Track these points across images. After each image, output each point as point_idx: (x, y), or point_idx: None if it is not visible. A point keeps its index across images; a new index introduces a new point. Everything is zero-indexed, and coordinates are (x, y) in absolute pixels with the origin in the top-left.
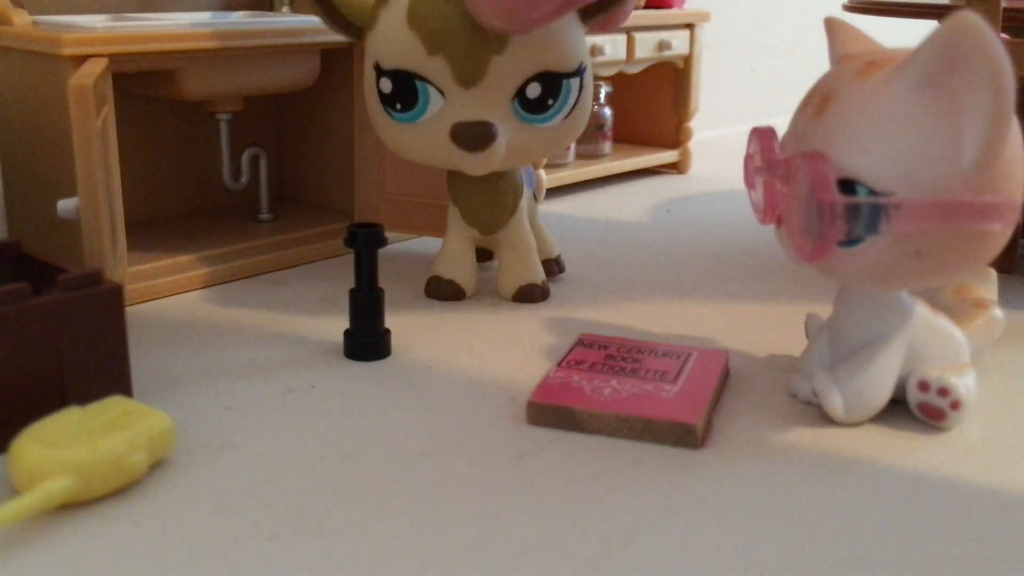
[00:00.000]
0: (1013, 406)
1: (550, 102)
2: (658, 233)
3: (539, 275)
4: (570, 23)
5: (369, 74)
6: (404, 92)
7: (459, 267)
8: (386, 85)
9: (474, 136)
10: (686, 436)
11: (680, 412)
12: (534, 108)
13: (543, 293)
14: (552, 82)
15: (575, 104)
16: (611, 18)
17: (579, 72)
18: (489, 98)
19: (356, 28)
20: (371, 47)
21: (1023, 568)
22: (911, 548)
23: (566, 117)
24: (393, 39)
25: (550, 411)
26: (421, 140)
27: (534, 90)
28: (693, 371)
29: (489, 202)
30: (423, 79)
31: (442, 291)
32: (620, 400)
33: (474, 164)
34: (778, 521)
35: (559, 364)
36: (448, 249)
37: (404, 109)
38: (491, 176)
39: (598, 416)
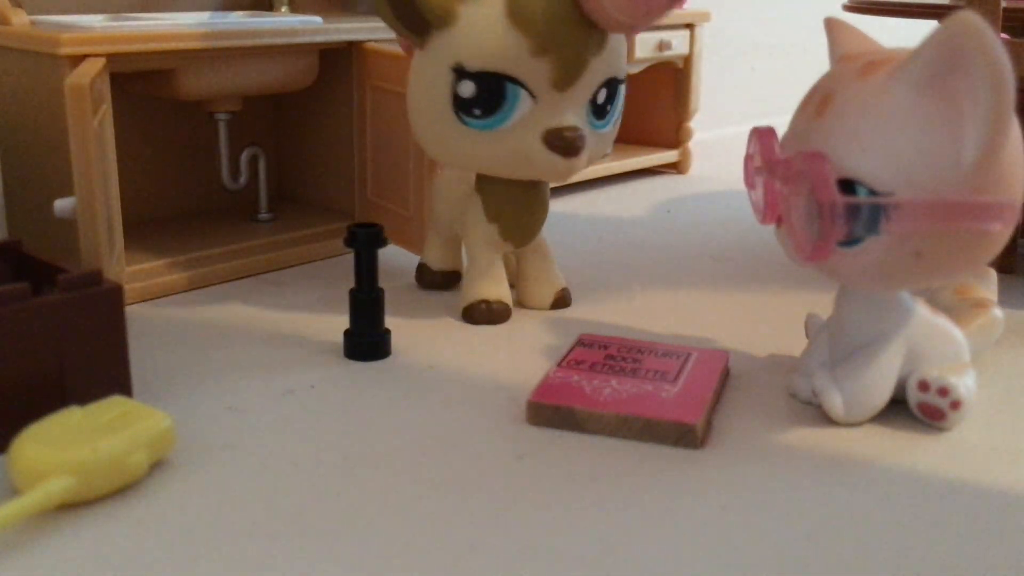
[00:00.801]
0: (1013, 406)
1: (608, 108)
2: (658, 233)
3: (563, 280)
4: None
5: (440, 77)
6: (490, 96)
7: (501, 285)
8: (467, 89)
9: (572, 141)
10: (686, 436)
11: (680, 412)
12: (600, 114)
13: (570, 296)
14: (614, 88)
15: (618, 112)
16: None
17: (625, 79)
18: (573, 103)
19: (425, 25)
20: (449, 47)
21: (1023, 568)
22: (911, 548)
23: (614, 123)
24: (487, 38)
25: (550, 411)
26: (499, 148)
27: (602, 96)
28: (693, 371)
29: (531, 215)
30: (517, 82)
31: (493, 314)
32: (620, 400)
33: (562, 171)
34: (778, 521)
35: (559, 364)
36: (484, 268)
37: (485, 114)
38: (530, 188)
39: (598, 416)
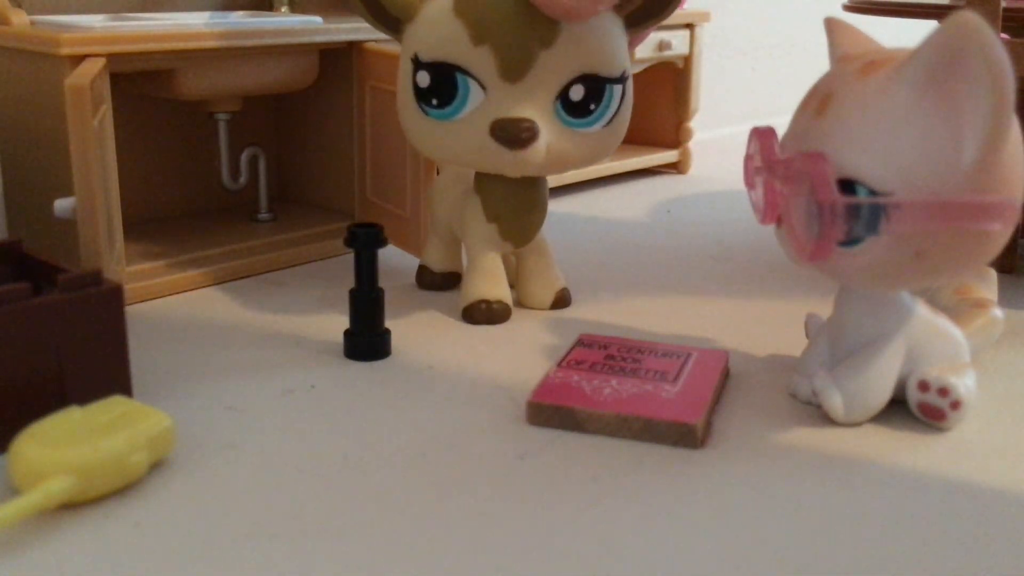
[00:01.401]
0: (1013, 406)
1: (592, 106)
2: (658, 233)
3: (563, 279)
4: (614, 29)
5: (405, 68)
6: (443, 86)
7: (501, 285)
8: (423, 79)
9: (516, 132)
10: (686, 436)
11: (680, 412)
12: (576, 111)
13: (570, 296)
14: (595, 86)
15: (616, 112)
16: (644, 34)
17: (622, 79)
18: (532, 96)
19: (395, 21)
20: (410, 39)
21: (1023, 568)
22: (911, 548)
23: (607, 125)
24: (436, 29)
25: (550, 411)
26: (456, 139)
27: (577, 92)
28: (693, 371)
29: (529, 214)
30: (464, 72)
31: (493, 314)
32: (620, 400)
33: (513, 164)
34: (778, 521)
35: (559, 364)
36: (484, 268)
37: (441, 104)
38: (528, 187)
39: (598, 416)
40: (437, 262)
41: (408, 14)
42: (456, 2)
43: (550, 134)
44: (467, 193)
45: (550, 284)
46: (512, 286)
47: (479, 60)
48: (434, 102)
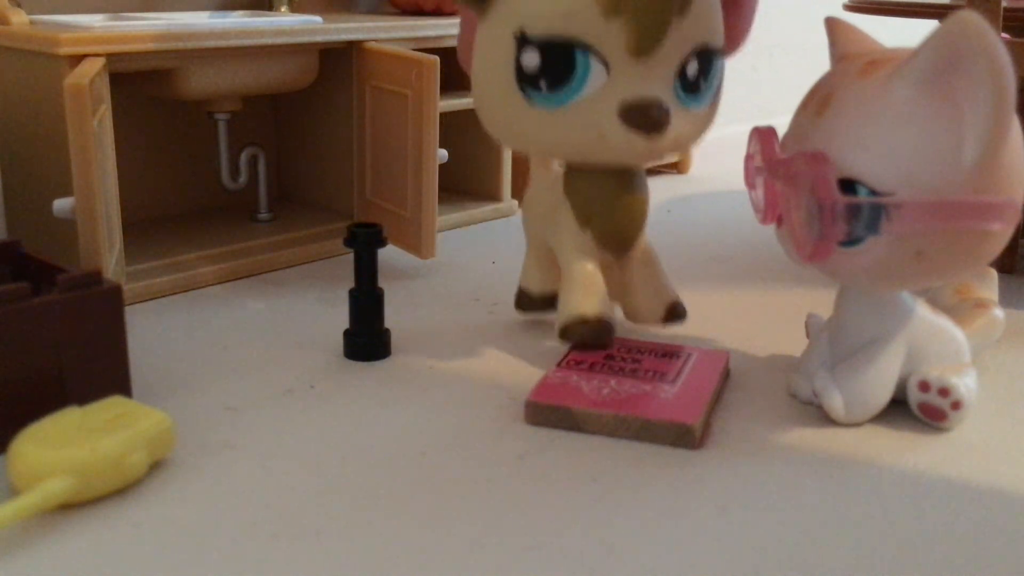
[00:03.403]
0: (1013, 406)
1: (702, 82)
2: (658, 233)
3: (674, 291)
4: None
5: (500, 48)
6: (557, 66)
7: (600, 299)
8: (531, 59)
9: (653, 115)
10: (684, 436)
11: (678, 412)
12: (691, 89)
13: (685, 310)
14: (706, 60)
15: (717, 89)
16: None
17: (724, 52)
18: (656, 75)
19: None
20: (508, 11)
21: (1023, 568)
22: (911, 548)
23: (710, 103)
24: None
25: (548, 411)
26: (568, 127)
27: (693, 68)
28: (693, 371)
29: (627, 216)
30: (588, 48)
31: (593, 334)
32: (618, 400)
33: (642, 152)
34: (777, 521)
35: (558, 364)
36: (580, 280)
37: (552, 88)
38: (626, 183)
39: (596, 416)
40: (536, 283)
41: None
42: None
43: (674, 115)
44: (560, 198)
45: (660, 295)
46: (616, 301)
47: (608, 34)
48: (543, 85)
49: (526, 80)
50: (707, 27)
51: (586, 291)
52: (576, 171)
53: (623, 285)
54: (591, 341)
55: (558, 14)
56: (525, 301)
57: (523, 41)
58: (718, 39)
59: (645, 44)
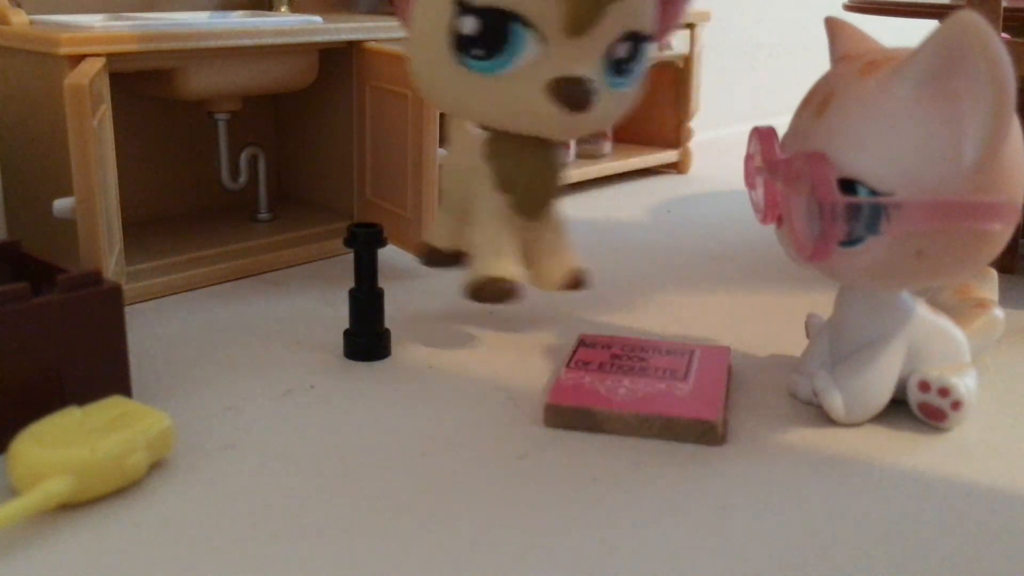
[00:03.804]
0: (1013, 406)
1: (631, 64)
2: (658, 233)
3: (579, 260)
4: None
5: (439, 11)
6: (494, 35)
7: (509, 261)
8: (470, 24)
9: (581, 94)
10: (707, 433)
11: (699, 409)
12: (619, 71)
13: (589, 279)
14: (635, 44)
15: (642, 71)
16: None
17: (652, 37)
18: (587, 54)
19: None
20: None
21: (1023, 568)
22: (911, 548)
23: (634, 83)
24: None
25: (569, 413)
26: (497, 95)
27: (622, 50)
28: (701, 368)
29: (543, 183)
30: (525, 21)
31: (501, 293)
32: (637, 399)
33: (567, 126)
34: (777, 521)
35: (567, 365)
36: (491, 243)
37: (487, 56)
38: (545, 153)
39: (617, 416)
40: (443, 238)
41: None
42: None
43: (600, 95)
44: (480, 161)
45: (564, 263)
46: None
47: (546, 11)
48: (478, 52)
49: (462, 45)
50: (639, 13)
51: (497, 254)
52: (496, 138)
53: (531, 251)
54: (498, 301)
55: None
56: (431, 255)
57: (462, 7)
58: (648, 25)
59: (580, 24)
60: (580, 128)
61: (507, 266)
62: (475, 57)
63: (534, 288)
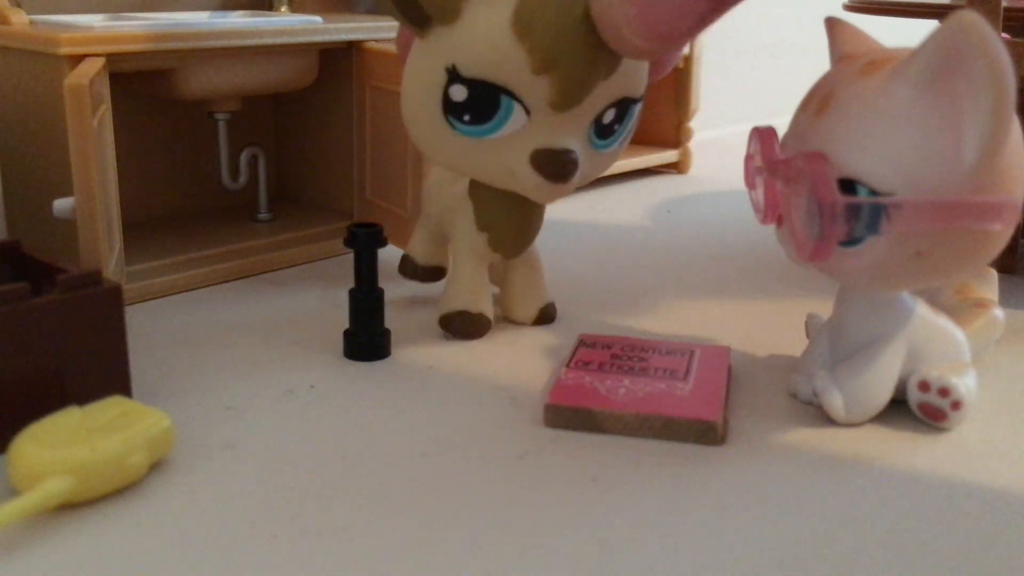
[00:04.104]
0: (1013, 406)
1: (617, 127)
2: (658, 233)
3: (550, 294)
4: None
5: (431, 74)
6: (482, 105)
7: (481, 297)
8: (459, 93)
9: (561, 166)
10: (707, 433)
11: (699, 409)
12: (605, 134)
13: (555, 311)
14: (623, 108)
15: (629, 131)
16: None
17: (642, 98)
18: (573, 123)
19: (424, 18)
20: (445, 45)
21: (1023, 568)
22: (911, 548)
23: (620, 143)
24: (487, 46)
25: (569, 413)
26: (484, 157)
27: (609, 115)
28: (701, 368)
29: (523, 227)
30: (512, 95)
31: (470, 327)
32: (637, 399)
33: (547, 193)
34: (778, 520)
35: (567, 365)
36: (466, 279)
37: (474, 122)
38: (526, 199)
39: (618, 416)
40: (421, 254)
41: (446, 15)
42: (516, 18)
43: (583, 159)
44: (462, 194)
45: (536, 299)
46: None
47: (534, 87)
48: (466, 118)
49: (451, 109)
50: (630, 81)
51: (472, 289)
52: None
53: (504, 283)
54: (466, 334)
55: (491, 61)
56: (408, 268)
57: (454, 75)
58: (639, 89)
59: (568, 101)
60: (561, 194)
61: (479, 303)
62: (463, 122)
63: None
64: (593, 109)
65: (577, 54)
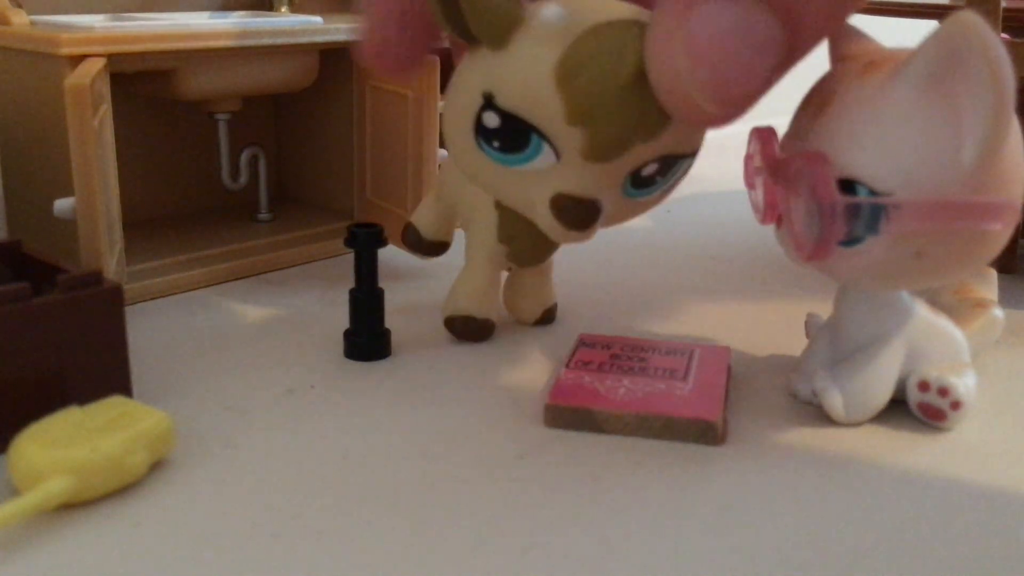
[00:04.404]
0: (1013, 406)
1: (657, 179)
2: (658, 233)
3: (554, 296)
4: None
5: (470, 94)
6: (512, 137)
7: (491, 303)
8: (492, 120)
9: (580, 217)
10: (707, 433)
11: (698, 409)
12: (642, 184)
13: (556, 312)
14: (671, 163)
15: (675, 181)
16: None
17: (695, 153)
18: (605, 174)
19: (470, 35)
20: (486, 69)
21: (1023, 568)
22: (911, 548)
23: (660, 193)
24: (526, 85)
25: (568, 413)
26: (506, 182)
27: (651, 168)
28: (701, 367)
29: (546, 243)
30: (544, 137)
31: (475, 333)
32: (636, 399)
33: (562, 237)
34: (778, 520)
35: (567, 365)
36: (478, 284)
37: (503, 150)
38: None
39: (617, 416)
40: (427, 227)
41: (494, 41)
42: (561, 64)
43: (609, 207)
44: (486, 200)
45: (541, 301)
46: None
47: (566, 136)
48: (496, 144)
49: (482, 132)
50: (680, 140)
51: (482, 295)
52: None
53: (512, 280)
54: (469, 338)
55: (526, 99)
56: (412, 238)
57: (489, 102)
58: (691, 145)
59: (600, 155)
60: (577, 240)
61: (487, 309)
62: (493, 147)
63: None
64: (631, 164)
65: (617, 113)
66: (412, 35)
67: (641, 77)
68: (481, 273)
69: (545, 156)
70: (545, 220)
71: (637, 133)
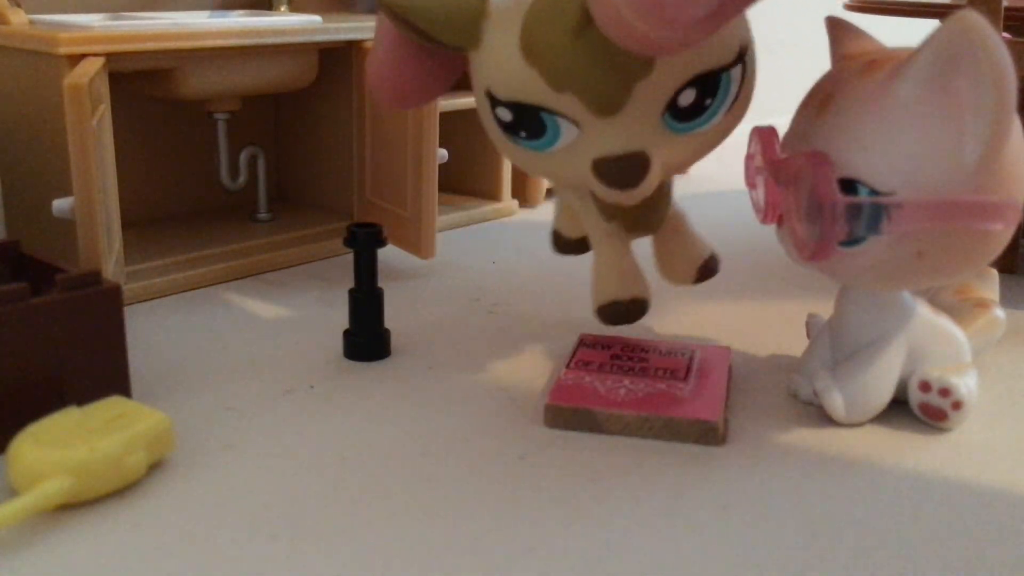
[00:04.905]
0: (1014, 406)
1: (708, 102)
2: None
3: (708, 246)
4: None
5: (480, 97)
6: (529, 123)
7: (634, 281)
8: (505, 115)
9: (625, 173)
10: (707, 433)
11: (699, 410)
12: (690, 115)
13: (719, 261)
14: (709, 82)
15: (738, 94)
16: None
17: (740, 58)
18: (636, 120)
19: (455, 48)
20: (478, 69)
21: (1023, 568)
22: (911, 548)
23: (728, 111)
24: (506, 69)
25: (568, 413)
26: (557, 167)
27: (688, 97)
28: (701, 368)
29: (650, 208)
30: (551, 112)
31: (629, 315)
32: (637, 399)
33: (623, 199)
34: (778, 521)
35: (567, 365)
36: (608, 267)
37: (530, 137)
38: None
39: (618, 416)
40: (569, 228)
41: (467, 42)
42: (523, 45)
43: (664, 150)
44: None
45: (692, 259)
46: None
47: (565, 103)
48: (522, 135)
49: (505, 128)
50: (700, 54)
51: (619, 275)
52: None
53: (657, 252)
54: (625, 321)
55: (513, 84)
56: (561, 243)
57: (493, 99)
58: (723, 54)
59: (605, 109)
60: (647, 193)
61: (629, 288)
62: (522, 138)
63: (650, 285)
64: (656, 100)
65: (589, 68)
66: (411, 73)
67: (588, 20)
68: (606, 253)
69: (568, 130)
70: (598, 188)
71: (624, 77)
